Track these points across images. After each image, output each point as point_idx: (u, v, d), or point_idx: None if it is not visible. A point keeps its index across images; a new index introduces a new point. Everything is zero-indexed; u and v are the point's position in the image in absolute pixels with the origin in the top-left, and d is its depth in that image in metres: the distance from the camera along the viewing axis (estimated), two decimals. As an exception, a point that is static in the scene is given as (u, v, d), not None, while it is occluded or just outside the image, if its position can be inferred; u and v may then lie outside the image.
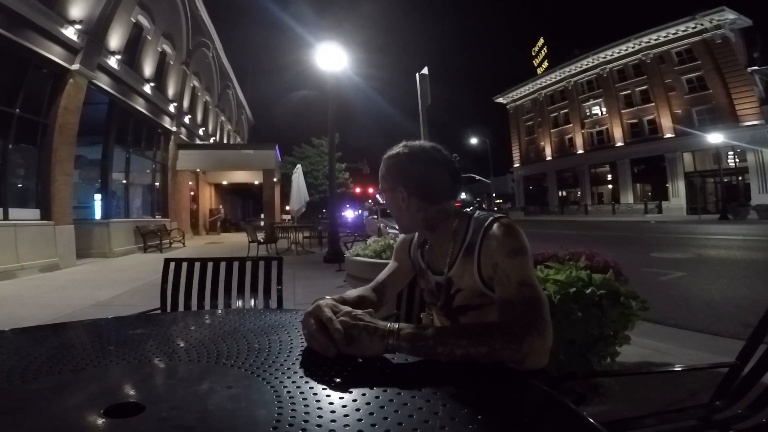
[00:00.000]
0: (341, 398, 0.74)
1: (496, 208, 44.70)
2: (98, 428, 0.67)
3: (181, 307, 2.39)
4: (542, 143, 46.05)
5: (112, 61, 12.00)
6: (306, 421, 0.65)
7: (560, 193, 44.37)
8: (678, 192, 32.11)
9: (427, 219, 1.27)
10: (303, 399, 0.73)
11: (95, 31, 10.60)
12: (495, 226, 1.13)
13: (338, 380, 0.82)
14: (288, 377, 0.83)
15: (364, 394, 0.75)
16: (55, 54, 9.24)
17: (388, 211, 1.39)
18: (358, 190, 44.87)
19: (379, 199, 1.35)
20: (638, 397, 2.27)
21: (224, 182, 27.14)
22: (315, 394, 0.75)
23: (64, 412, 0.74)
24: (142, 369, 0.93)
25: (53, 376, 0.87)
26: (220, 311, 1.86)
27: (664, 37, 33.01)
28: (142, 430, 0.65)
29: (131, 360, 0.95)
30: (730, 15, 28.96)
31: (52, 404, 0.76)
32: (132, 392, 0.80)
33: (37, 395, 0.79)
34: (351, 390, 0.77)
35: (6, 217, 8.36)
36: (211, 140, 26.02)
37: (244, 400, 0.75)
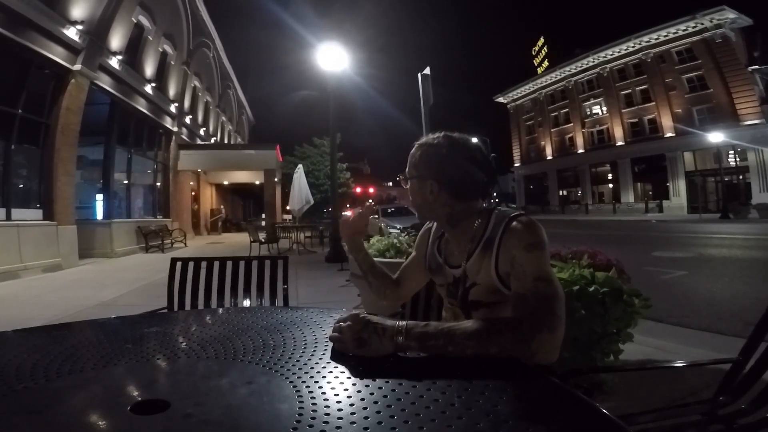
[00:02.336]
0: (359, 392, 0.76)
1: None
2: (127, 425, 0.69)
3: (187, 306, 2.41)
4: (543, 142, 46.02)
5: (114, 62, 12.01)
6: (327, 414, 0.68)
7: (561, 193, 44.35)
8: (679, 191, 32.11)
9: (451, 214, 1.25)
10: (322, 393, 0.75)
11: (96, 32, 10.63)
12: (516, 221, 1.13)
13: (354, 375, 0.84)
14: (306, 372, 0.85)
15: (380, 388, 0.77)
16: (56, 54, 9.26)
17: (411, 198, 1.32)
18: (359, 189, 44.93)
19: (402, 182, 1.34)
20: (641, 394, 2.29)
21: (225, 182, 27.17)
22: (333, 388, 0.78)
23: (91, 410, 0.76)
24: (162, 366, 0.95)
25: (76, 374, 0.88)
26: (231, 309, 1.88)
27: (665, 36, 32.98)
28: (170, 426, 0.67)
29: (150, 357, 0.98)
30: (730, 14, 28.95)
31: (79, 402, 0.78)
32: (155, 389, 0.82)
33: (63, 393, 0.80)
34: (368, 384, 0.79)
35: (9, 217, 8.38)
36: (212, 140, 26.04)
37: (266, 396, 0.77)
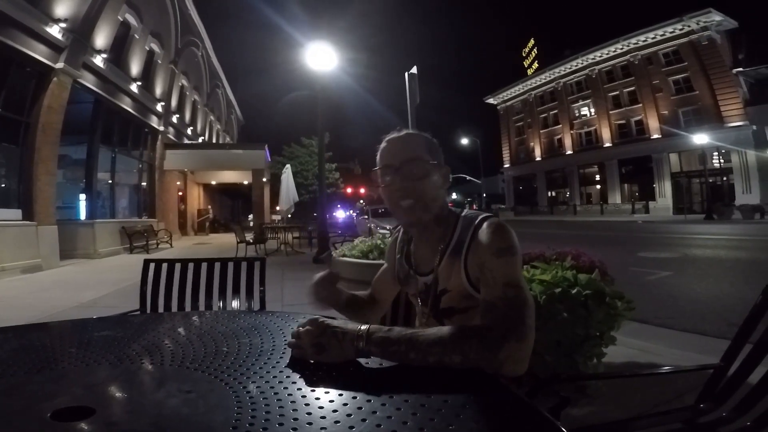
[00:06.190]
0: (306, 405, 0.69)
1: (475, 207, 44.61)
2: (41, 432, 0.63)
3: (161, 309, 2.34)
4: (532, 144, 46.33)
5: (98, 60, 11.81)
6: (265, 429, 0.61)
7: (549, 194, 44.68)
8: (664, 192, 32.52)
9: (440, 213, 1.17)
10: (265, 405, 0.69)
11: (81, 30, 10.42)
12: (485, 225, 1.07)
13: (306, 385, 0.78)
14: (253, 382, 0.78)
15: (331, 401, 0.70)
16: (38, 52, 9.07)
17: (416, 189, 1.13)
18: (349, 190, 44.81)
19: (413, 167, 1.12)
20: (625, 398, 2.25)
21: (213, 182, 26.88)
22: (279, 399, 0.71)
23: (9, 416, 0.69)
24: (100, 372, 0.88)
25: (6, 378, 0.83)
26: (194, 313, 1.81)
27: (652, 38, 33.39)
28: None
29: (90, 362, 0.90)
30: (716, 17, 29.36)
31: (-1, 408, 0.72)
32: (85, 396, 0.76)
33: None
34: (318, 397, 0.72)
35: (-13, 217, 8.19)
36: (200, 140, 25.74)
37: (203, 406, 0.71)
